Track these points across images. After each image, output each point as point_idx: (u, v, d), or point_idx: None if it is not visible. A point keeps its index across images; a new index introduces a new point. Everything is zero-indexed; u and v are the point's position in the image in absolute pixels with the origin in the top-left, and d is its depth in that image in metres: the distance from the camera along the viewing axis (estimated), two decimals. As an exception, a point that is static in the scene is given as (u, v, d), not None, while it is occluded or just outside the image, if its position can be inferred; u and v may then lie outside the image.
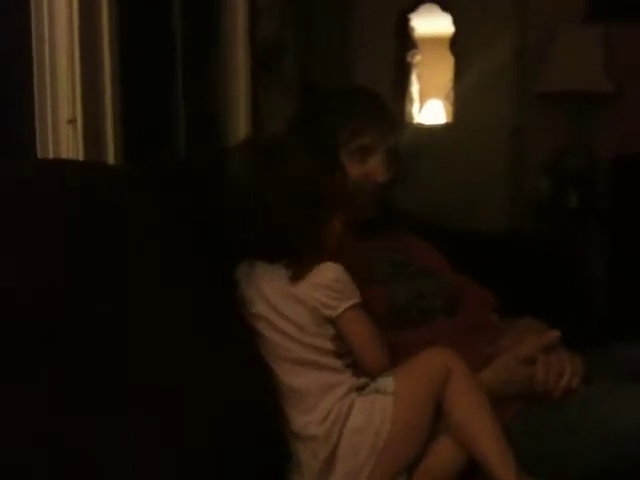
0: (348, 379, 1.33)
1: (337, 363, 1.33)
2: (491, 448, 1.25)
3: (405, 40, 3.79)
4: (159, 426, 1.04)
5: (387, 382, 1.31)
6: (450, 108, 3.86)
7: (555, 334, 1.44)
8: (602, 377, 1.46)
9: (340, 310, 1.31)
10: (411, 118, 3.92)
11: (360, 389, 1.33)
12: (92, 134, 1.55)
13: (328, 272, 1.32)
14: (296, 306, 1.32)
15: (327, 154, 1.64)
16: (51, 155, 1.50)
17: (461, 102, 3.76)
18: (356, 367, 1.35)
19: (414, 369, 1.33)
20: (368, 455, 1.27)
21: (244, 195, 1.37)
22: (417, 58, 3.90)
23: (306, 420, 1.31)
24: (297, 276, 1.33)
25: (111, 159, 1.61)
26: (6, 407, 0.91)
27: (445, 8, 3.70)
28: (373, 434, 1.27)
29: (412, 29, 3.80)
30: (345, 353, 1.34)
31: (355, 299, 1.33)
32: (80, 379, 0.98)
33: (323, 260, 1.34)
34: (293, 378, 1.33)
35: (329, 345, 1.33)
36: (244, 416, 1.24)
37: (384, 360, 1.35)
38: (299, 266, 1.33)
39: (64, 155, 1.50)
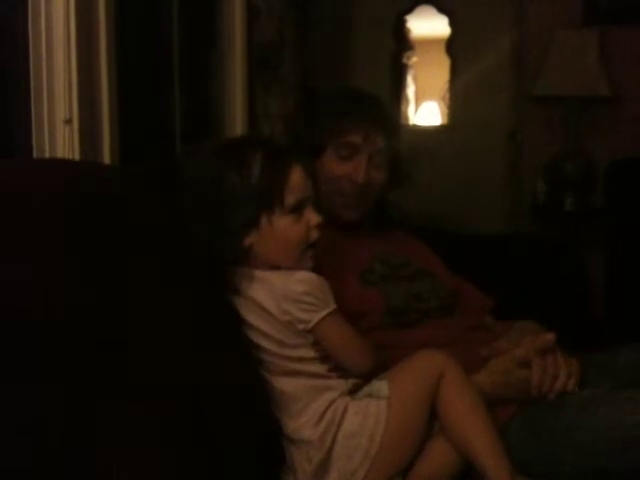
0: (336, 383, 1.32)
1: (322, 368, 1.32)
2: (485, 450, 1.24)
3: (401, 41, 3.79)
4: (159, 427, 1.04)
5: (381, 386, 1.30)
6: (446, 110, 3.87)
7: (550, 336, 1.44)
8: (600, 380, 1.47)
9: (313, 323, 1.27)
10: (407, 119, 3.93)
11: (352, 392, 1.32)
12: (88, 134, 1.55)
13: (297, 285, 1.27)
14: (271, 322, 1.29)
15: (315, 151, 1.65)
16: (47, 155, 1.49)
17: (457, 104, 3.77)
18: (342, 369, 1.33)
19: (407, 372, 1.32)
20: (362, 459, 1.26)
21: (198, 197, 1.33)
22: (413, 59, 3.91)
23: (297, 424, 1.30)
24: (265, 287, 1.30)
25: (107, 159, 1.61)
26: (5, 407, 0.91)
27: (442, 10, 3.71)
28: (367, 439, 1.26)
29: (409, 30, 3.81)
30: (328, 357, 1.32)
31: (328, 308, 1.28)
32: (79, 379, 0.97)
33: (290, 268, 1.31)
34: (280, 384, 1.32)
35: (311, 353, 1.31)
36: (242, 418, 1.24)
37: (366, 363, 1.32)
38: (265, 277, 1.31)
39: (60, 155, 1.50)
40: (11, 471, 0.88)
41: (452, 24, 3.71)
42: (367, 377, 1.34)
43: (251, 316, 1.32)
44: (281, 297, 1.28)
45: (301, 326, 1.28)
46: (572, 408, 1.37)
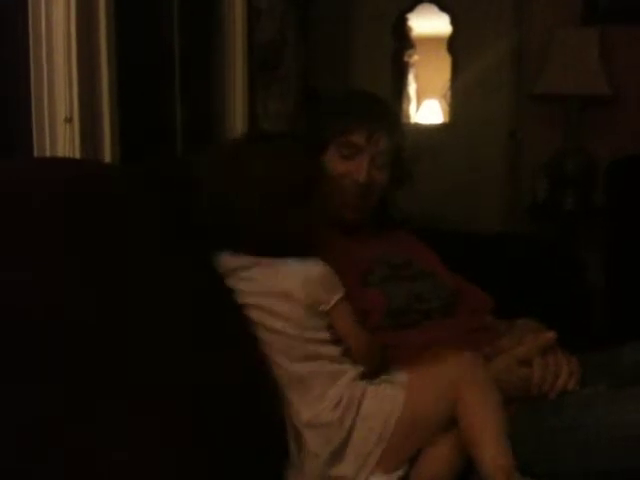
0: (349, 367, 1.34)
1: (336, 351, 1.34)
2: (491, 445, 1.25)
3: (403, 39, 3.80)
4: (159, 427, 1.04)
5: (399, 374, 1.33)
6: (447, 108, 3.87)
7: (551, 335, 1.44)
8: (599, 380, 1.46)
9: (332, 303, 1.32)
10: (408, 117, 3.93)
11: (367, 377, 1.34)
12: (89, 133, 1.55)
13: (315, 267, 1.34)
14: (290, 303, 1.32)
15: (317, 148, 1.65)
16: (48, 154, 1.50)
17: (458, 102, 3.77)
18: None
19: (428, 366, 1.33)
20: (376, 442, 1.27)
21: (210, 195, 1.36)
22: (414, 58, 3.92)
23: (315, 412, 1.30)
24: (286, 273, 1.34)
25: (108, 158, 1.61)
26: (5, 407, 0.91)
27: (443, 8, 3.71)
28: (382, 421, 1.28)
29: (410, 29, 3.81)
30: (340, 340, 1.35)
31: (341, 292, 1.34)
32: (79, 379, 0.97)
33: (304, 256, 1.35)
34: (297, 369, 1.33)
35: (327, 335, 1.34)
36: (243, 417, 1.24)
37: (372, 351, 1.37)
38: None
39: (61, 154, 1.50)
40: (11, 471, 0.88)
41: (453, 22, 3.71)
42: (374, 374, 1.35)
43: (271, 302, 1.34)
44: (304, 279, 1.32)
45: (322, 307, 1.32)
46: (573, 407, 1.36)
